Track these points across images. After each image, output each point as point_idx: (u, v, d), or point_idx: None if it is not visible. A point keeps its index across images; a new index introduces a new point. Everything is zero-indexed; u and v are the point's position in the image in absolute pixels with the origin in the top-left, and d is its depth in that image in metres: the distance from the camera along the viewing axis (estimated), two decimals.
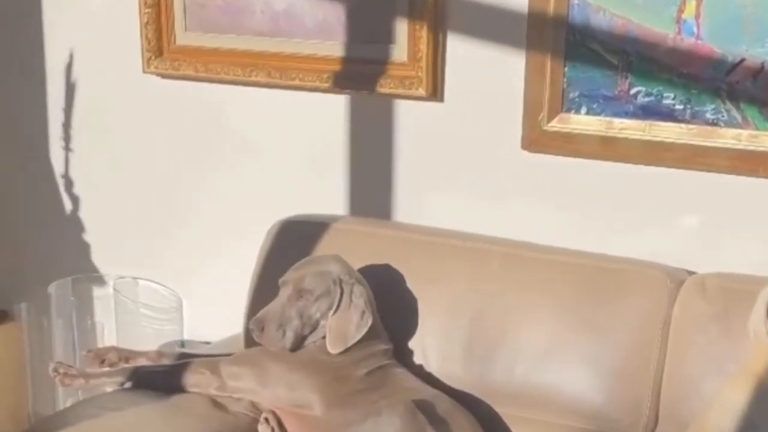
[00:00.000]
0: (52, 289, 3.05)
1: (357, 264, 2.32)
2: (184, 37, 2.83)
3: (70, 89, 3.06)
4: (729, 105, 2.21)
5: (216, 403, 2.25)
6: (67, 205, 3.16)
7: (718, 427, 1.93)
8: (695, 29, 2.20)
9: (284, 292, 2.21)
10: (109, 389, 2.30)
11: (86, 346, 3.00)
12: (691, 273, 2.25)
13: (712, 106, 2.22)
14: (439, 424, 2.05)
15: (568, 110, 2.37)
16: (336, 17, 2.60)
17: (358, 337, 2.18)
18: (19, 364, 3.24)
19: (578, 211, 2.43)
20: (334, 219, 2.59)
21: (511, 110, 2.43)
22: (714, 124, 2.23)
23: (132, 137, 3.02)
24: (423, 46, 2.49)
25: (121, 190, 3.08)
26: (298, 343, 2.20)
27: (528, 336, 2.26)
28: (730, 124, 2.21)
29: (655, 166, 2.31)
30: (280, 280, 2.24)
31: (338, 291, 2.18)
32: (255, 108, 2.80)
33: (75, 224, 3.17)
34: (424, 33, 2.48)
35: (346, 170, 2.71)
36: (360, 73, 2.60)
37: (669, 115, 2.27)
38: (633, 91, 2.30)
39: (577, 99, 2.36)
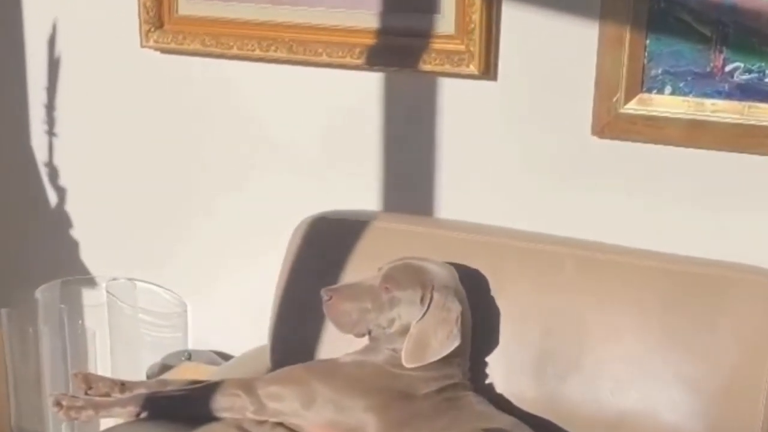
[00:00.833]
0: (39, 293, 2.78)
1: None
2: (188, 5, 2.53)
3: (53, 65, 2.77)
4: None
5: None
6: (52, 197, 2.88)
7: None
8: None
9: (373, 279, 1.99)
10: (121, 420, 1.99)
11: (77, 356, 2.80)
12: None
13: None
14: None
15: (650, 90, 2.09)
16: None
17: (441, 355, 1.93)
18: None
19: (661, 206, 2.14)
20: (372, 216, 2.29)
21: (580, 90, 2.14)
22: None
23: (126, 121, 2.72)
24: (475, 15, 2.19)
25: (113, 180, 2.79)
26: (362, 335, 2.00)
27: (610, 352, 1.98)
28: None
29: (756, 154, 2.03)
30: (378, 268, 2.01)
31: (429, 297, 1.94)
32: (273, 87, 2.49)
33: (61, 219, 2.88)
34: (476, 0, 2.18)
35: (380, 160, 2.41)
36: (398, 48, 2.30)
37: None
38: (729, 67, 2.02)
39: (660, 77, 2.08)
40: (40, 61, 2.78)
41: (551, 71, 2.17)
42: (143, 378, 2.51)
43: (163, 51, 2.58)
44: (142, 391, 2.04)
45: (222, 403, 1.97)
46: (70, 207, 2.86)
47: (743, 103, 2.01)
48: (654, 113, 2.09)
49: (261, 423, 1.98)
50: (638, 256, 2.04)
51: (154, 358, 2.61)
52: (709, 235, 2.09)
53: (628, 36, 2.07)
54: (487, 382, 2.05)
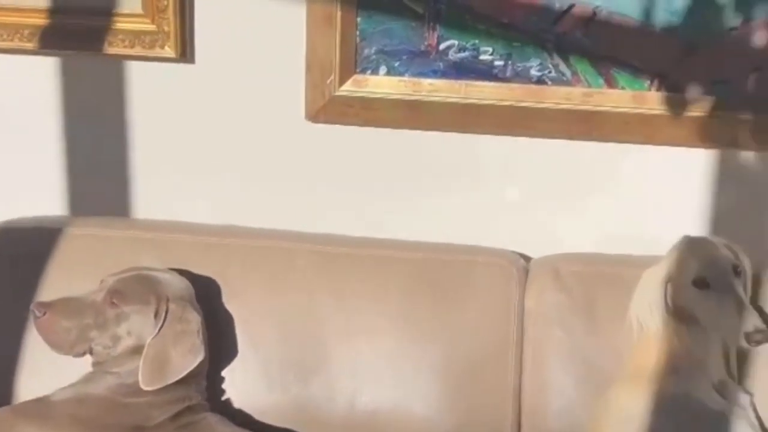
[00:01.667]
0: None
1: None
2: None
3: None
4: (557, 59, 1.95)
5: None
6: None
7: None
8: None
9: (96, 293, 1.79)
10: None
11: None
12: (523, 256, 1.96)
13: (538, 62, 1.96)
14: None
15: (364, 71, 2.01)
16: None
17: (185, 371, 1.75)
18: None
19: (381, 192, 2.06)
20: (63, 222, 2.01)
21: (292, 73, 2.00)
22: (540, 82, 1.96)
23: None
24: None
25: None
26: (81, 354, 1.78)
27: (354, 350, 1.88)
28: (559, 81, 1.96)
29: (473, 133, 2.00)
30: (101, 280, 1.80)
31: (165, 310, 1.74)
32: None
33: None
34: None
35: (61, 157, 2.12)
36: (75, 28, 2.05)
37: (487, 73, 1.97)
38: (443, 45, 1.97)
39: (374, 57, 2.00)
40: None
41: (258, 53, 2.01)
42: None
43: None
44: None
45: None
46: None
47: (460, 81, 1.97)
48: (370, 95, 2.00)
49: None
50: (376, 246, 1.95)
51: None
52: (430, 219, 2.04)
53: (338, 14, 1.96)
54: (224, 398, 1.88)
